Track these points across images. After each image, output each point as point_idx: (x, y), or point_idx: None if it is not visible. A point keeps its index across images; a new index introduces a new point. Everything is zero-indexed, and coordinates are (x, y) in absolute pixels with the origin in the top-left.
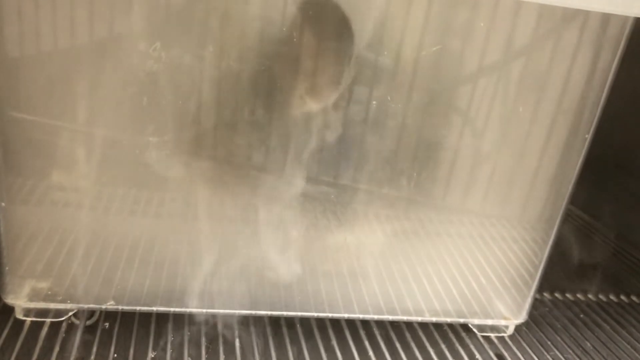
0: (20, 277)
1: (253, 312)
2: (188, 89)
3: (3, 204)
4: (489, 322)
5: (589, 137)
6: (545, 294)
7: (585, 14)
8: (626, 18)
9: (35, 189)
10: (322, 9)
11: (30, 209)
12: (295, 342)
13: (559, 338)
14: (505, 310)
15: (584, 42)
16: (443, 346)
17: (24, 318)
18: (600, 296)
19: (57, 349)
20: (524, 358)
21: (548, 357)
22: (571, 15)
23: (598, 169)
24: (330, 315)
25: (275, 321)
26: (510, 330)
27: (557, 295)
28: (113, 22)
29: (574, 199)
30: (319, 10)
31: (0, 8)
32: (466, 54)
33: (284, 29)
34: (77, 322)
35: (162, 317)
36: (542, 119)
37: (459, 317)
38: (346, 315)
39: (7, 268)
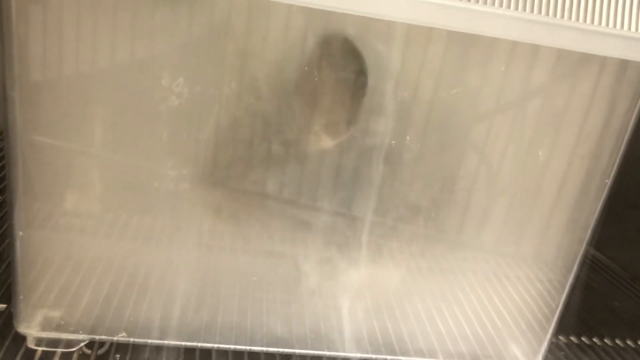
0: (33, 305)
1: (265, 348)
2: (208, 125)
3: (21, 233)
4: None
5: (608, 182)
6: (560, 337)
7: (603, 58)
8: None
9: (51, 215)
10: (340, 48)
11: (45, 236)
12: None
13: None
14: (520, 354)
15: (601, 86)
16: None
17: (36, 347)
18: (617, 341)
19: None
20: None
21: None
22: (588, 58)
23: (614, 208)
24: (342, 354)
25: (286, 358)
26: None
27: (572, 338)
28: (136, 55)
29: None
30: (337, 49)
31: (25, 34)
32: (484, 95)
33: (305, 68)
34: (88, 352)
35: (172, 350)
36: (558, 162)
37: None
38: (359, 355)
39: (21, 297)
